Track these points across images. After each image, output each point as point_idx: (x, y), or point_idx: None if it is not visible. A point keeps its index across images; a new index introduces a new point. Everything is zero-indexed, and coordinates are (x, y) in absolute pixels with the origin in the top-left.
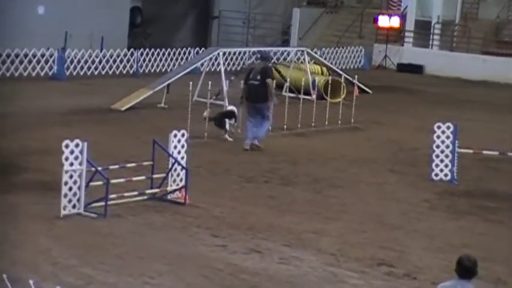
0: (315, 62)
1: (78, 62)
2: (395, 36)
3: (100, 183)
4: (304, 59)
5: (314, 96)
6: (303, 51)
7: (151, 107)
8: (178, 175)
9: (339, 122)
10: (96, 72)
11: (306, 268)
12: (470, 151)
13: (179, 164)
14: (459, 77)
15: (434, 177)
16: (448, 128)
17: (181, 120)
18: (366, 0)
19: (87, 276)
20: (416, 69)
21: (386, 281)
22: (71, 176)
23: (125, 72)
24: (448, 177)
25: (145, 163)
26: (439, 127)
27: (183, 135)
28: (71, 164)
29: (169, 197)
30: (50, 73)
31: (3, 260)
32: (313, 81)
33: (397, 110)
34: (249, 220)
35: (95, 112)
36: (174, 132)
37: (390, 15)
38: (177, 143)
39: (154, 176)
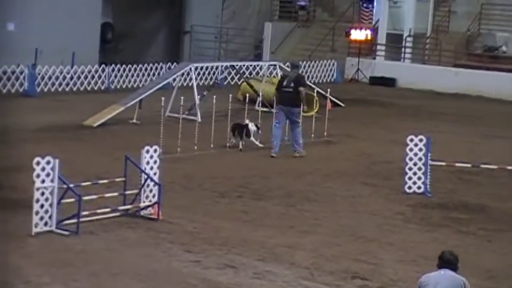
0: None
1: (49, 78)
2: (367, 49)
3: (72, 200)
4: (276, 73)
5: None
6: (275, 65)
7: (124, 123)
8: (151, 191)
9: (312, 135)
10: (67, 89)
11: (280, 282)
12: (443, 163)
13: (152, 179)
14: (431, 89)
15: (408, 190)
16: (421, 140)
17: (154, 136)
18: (337, 14)
19: None
20: (388, 82)
21: None
22: (43, 193)
23: (96, 88)
24: (422, 190)
25: (117, 179)
26: (411, 140)
27: (155, 150)
28: (43, 181)
29: (142, 213)
30: (21, 90)
31: None
32: None
33: (370, 123)
34: (223, 235)
35: (67, 129)
36: (147, 148)
37: (361, 29)
38: (150, 159)
39: (127, 192)
